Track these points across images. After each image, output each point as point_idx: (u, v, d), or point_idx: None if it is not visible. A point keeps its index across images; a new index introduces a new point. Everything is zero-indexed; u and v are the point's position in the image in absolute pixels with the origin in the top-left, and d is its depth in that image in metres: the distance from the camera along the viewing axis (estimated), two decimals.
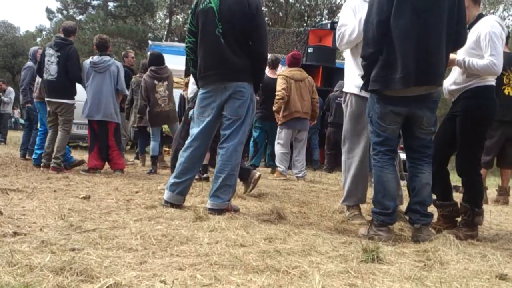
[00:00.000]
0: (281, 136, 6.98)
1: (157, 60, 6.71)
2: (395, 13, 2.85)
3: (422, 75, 2.88)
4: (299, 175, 6.95)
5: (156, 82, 6.55)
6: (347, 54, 3.76)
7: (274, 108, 6.76)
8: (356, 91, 3.57)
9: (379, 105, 3.03)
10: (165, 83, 6.58)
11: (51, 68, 5.89)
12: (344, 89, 3.73)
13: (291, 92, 6.73)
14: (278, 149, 7.02)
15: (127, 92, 6.51)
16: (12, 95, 13.09)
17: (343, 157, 3.77)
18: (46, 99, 6.09)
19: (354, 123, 3.63)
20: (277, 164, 7.04)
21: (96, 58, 6.04)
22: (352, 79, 3.61)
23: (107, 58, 6.03)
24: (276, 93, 6.70)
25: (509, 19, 24.53)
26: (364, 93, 3.46)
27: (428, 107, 3.04)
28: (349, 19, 3.52)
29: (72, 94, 6.02)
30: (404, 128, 3.15)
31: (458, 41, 3.04)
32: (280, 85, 6.72)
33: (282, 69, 7.89)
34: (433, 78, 2.94)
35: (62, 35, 6.07)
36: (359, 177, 3.66)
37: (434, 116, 3.11)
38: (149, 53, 7.95)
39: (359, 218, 3.65)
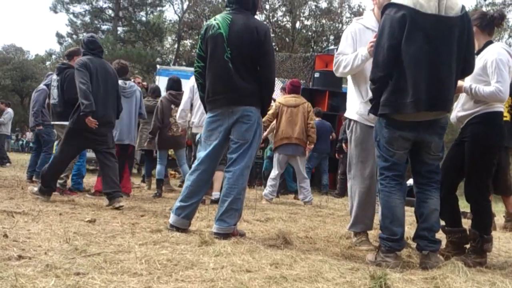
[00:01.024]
0: (274, 161, 7.08)
1: (176, 84, 6.85)
2: (406, 39, 2.87)
3: (433, 100, 2.89)
4: (306, 199, 6.94)
5: (172, 106, 6.65)
6: (349, 80, 3.79)
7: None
8: (357, 118, 3.60)
9: (387, 130, 3.03)
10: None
11: (54, 92, 6.01)
12: (346, 115, 3.75)
13: (281, 118, 6.79)
14: (271, 174, 7.09)
15: (146, 116, 6.59)
16: (8, 116, 12.92)
17: (349, 183, 3.76)
18: (52, 122, 6.20)
19: (359, 149, 3.63)
20: (265, 189, 7.09)
21: (121, 83, 6.06)
22: (354, 105, 3.63)
23: (131, 83, 6.15)
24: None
25: None
26: (366, 121, 3.48)
27: (437, 132, 3.03)
28: (348, 47, 3.58)
29: None
30: (412, 154, 3.14)
31: (466, 69, 3.06)
32: (269, 111, 6.79)
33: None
34: (443, 104, 2.95)
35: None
36: (366, 203, 3.64)
37: (442, 141, 3.10)
38: (157, 77, 8.04)
39: (366, 244, 3.61)
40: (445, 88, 2.92)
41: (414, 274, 2.73)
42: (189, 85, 6.07)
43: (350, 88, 3.74)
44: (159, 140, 6.70)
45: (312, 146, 7.21)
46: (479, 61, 3.28)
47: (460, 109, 3.44)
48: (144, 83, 8.08)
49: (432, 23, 2.86)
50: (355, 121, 3.65)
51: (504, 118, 5.37)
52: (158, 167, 6.80)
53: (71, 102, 5.95)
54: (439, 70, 2.89)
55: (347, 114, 3.75)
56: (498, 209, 7.53)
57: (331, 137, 9.59)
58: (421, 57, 2.86)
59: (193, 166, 3.67)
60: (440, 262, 2.89)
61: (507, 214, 5.86)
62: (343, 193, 9.07)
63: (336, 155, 9.58)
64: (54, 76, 6.07)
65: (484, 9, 22.45)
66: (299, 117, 6.84)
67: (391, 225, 3.00)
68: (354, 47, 3.57)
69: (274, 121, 6.97)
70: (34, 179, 7.53)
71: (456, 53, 2.91)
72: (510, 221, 5.77)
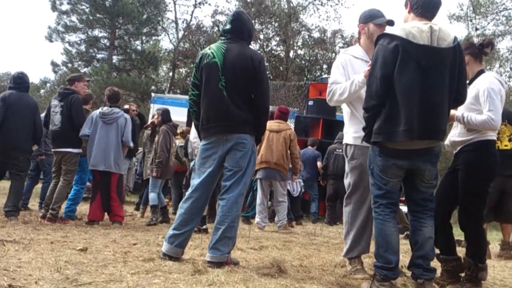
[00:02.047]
0: (258, 186, 7.12)
1: (170, 116, 7.04)
2: (398, 69, 2.91)
3: (426, 129, 2.92)
4: (277, 224, 6.97)
5: (173, 137, 6.84)
6: (344, 109, 3.81)
7: None
8: (353, 141, 3.60)
9: (381, 158, 3.05)
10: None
11: (55, 118, 5.96)
12: (344, 141, 3.75)
13: (262, 143, 6.80)
14: (257, 199, 7.11)
15: (131, 144, 6.54)
16: None
17: (346, 209, 3.70)
18: (53, 150, 6.16)
19: (359, 174, 3.61)
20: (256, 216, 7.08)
21: (106, 109, 6.12)
22: (352, 130, 3.64)
23: (116, 110, 6.14)
24: None
25: (505, 75, 25.10)
26: (354, 141, 3.49)
27: (430, 160, 3.06)
28: (340, 76, 3.63)
29: (76, 143, 6.02)
30: (406, 182, 3.15)
31: (458, 100, 3.11)
32: None
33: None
34: (436, 133, 2.98)
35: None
36: (366, 227, 3.61)
37: (436, 169, 3.12)
38: (152, 105, 8.07)
39: (361, 273, 3.57)
40: (438, 118, 2.95)
41: None
42: None
43: (346, 116, 3.76)
44: (164, 169, 6.72)
45: (296, 176, 7.22)
46: (471, 90, 3.34)
47: (454, 135, 3.48)
48: (134, 111, 8.04)
49: (424, 54, 2.91)
50: (351, 145, 3.64)
51: (505, 147, 5.45)
52: (151, 194, 6.74)
53: (78, 128, 5.96)
54: (431, 100, 2.92)
55: (345, 140, 3.75)
56: (493, 237, 7.52)
57: (318, 164, 9.59)
58: (414, 87, 2.90)
59: (187, 194, 3.65)
60: None
61: (503, 242, 5.85)
62: (331, 221, 9.02)
63: (321, 181, 9.60)
64: (56, 102, 6.01)
65: (474, 40, 22.94)
66: (280, 142, 6.88)
67: (385, 253, 2.99)
68: (346, 76, 3.61)
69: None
70: (31, 207, 7.49)
71: (448, 83, 2.96)
72: (505, 249, 5.76)
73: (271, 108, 7.55)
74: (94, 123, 6.05)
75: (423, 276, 2.96)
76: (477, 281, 3.23)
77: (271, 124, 6.98)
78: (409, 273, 3.22)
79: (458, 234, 3.48)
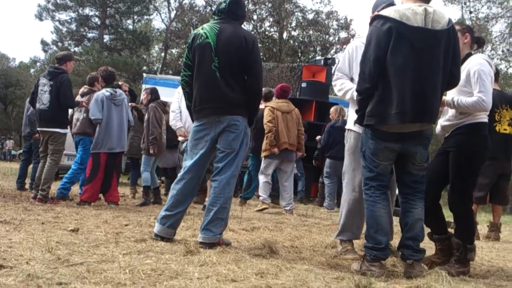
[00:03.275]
0: (266, 166, 7.03)
1: (158, 94, 7.03)
2: (392, 50, 2.90)
3: (418, 112, 2.92)
4: (287, 208, 6.93)
5: (163, 114, 6.77)
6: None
7: (266, 142, 6.80)
8: (352, 127, 3.66)
9: (373, 141, 3.06)
10: (166, 116, 6.76)
11: (44, 97, 5.89)
12: (347, 127, 3.82)
13: (278, 124, 6.81)
14: (262, 178, 7.08)
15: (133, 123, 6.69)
16: None
17: (343, 193, 3.80)
18: (38, 128, 6.09)
19: (352, 158, 3.67)
20: (260, 193, 7.09)
21: (110, 90, 6.06)
22: (353, 115, 3.66)
23: (120, 91, 6.13)
24: (265, 127, 6.81)
25: (497, 58, 25.14)
26: (358, 129, 3.51)
27: (422, 143, 3.07)
28: (344, 65, 3.78)
29: (64, 123, 6.00)
30: (397, 164, 3.17)
31: (452, 82, 3.11)
32: (266, 118, 6.84)
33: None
34: (429, 117, 2.98)
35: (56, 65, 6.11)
36: (355, 212, 3.65)
37: (427, 152, 3.14)
38: (144, 85, 8.04)
39: (351, 253, 3.62)
40: (430, 100, 2.95)
41: (398, 283, 2.74)
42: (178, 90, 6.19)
43: (351, 101, 3.80)
44: (159, 145, 6.69)
45: (302, 153, 7.24)
46: (462, 72, 3.34)
47: (445, 119, 3.49)
48: (126, 91, 7.98)
49: (418, 36, 2.90)
50: (350, 130, 3.72)
51: (504, 131, 5.51)
52: (144, 174, 6.74)
53: (65, 108, 5.91)
54: (424, 82, 2.92)
55: (347, 125, 3.83)
56: (481, 218, 7.63)
57: None
58: (407, 69, 2.90)
59: (179, 175, 3.65)
60: (424, 271, 2.91)
61: (491, 223, 5.94)
62: (322, 201, 9.08)
63: (314, 162, 9.62)
64: (44, 81, 5.93)
65: (468, 22, 22.90)
66: (293, 122, 6.92)
67: (376, 234, 3.02)
68: (350, 65, 3.72)
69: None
70: (27, 188, 7.44)
71: (442, 66, 2.95)
72: (494, 231, 5.85)
73: (268, 88, 7.57)
74: (107, 106, 6.00)
75: (413, 257, 2.99)
76: (466, 262, 3.27)
77: (280, 105, 6.95)
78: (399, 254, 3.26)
79: (447, 216, 3.52)
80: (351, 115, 3.74)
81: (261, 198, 7.02)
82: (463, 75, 3.33)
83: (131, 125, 6.68)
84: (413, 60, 2.90)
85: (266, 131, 6.79)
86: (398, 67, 2.90)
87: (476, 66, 3.31)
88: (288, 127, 6.87)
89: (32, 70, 40.57)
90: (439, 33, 2.93)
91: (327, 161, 8.59)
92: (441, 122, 3.51)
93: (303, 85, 11.27)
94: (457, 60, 3.07)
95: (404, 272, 3.01)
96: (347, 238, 3.71)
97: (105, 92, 6.06)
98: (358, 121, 3.15)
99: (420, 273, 2.89)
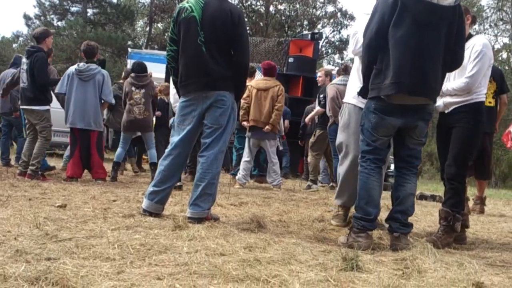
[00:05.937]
0: (246, 144, 7.08)
1: (138, 67, 6.76)
2: (394, 23, 2.89)
3: (416, 85, 2.92)
4: (274, 183, 6.98)
5: (133, 89, 6.56)
6: (354, 66, 3.85)
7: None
8: (350, 100, 3.68)
9: (375, 115, 3.05)
10: (142, 90, 6.54)
11: (23, 76, 5.90)
12: (344, 100, 3.84)
13: (251, 101, 6.79)
14: (243, 156, 7.09)
15: (113, 101, 6.47)
16: None
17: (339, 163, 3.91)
18: (21, 107, 6.12)
19: (347, 133, 3.72)
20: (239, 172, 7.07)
21: (82, 65, 5.97)
22: (352, 89, 3.65)
23: (93, 66, 5.98)
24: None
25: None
26: (361, 104, 3.47)
27: (423, 118, 3.09)
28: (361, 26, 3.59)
29: (42, 100, 5.93)
30: (396, 138, 3.19)
31: (455, 60, 3.10)
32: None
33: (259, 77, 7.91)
34: (428, 92, 2.99)
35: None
36: (348, 183, 3.73)
37: (426, 127, 3.16)
38: (129, 61, 7.92)
39: (337, 219, 3.83)
40: (429, 75, 2.95)
41: (384, 256, 2.79)
42: None
43: (353, 74, 3.80)
44: (123, 122, 6.68)
45: (271, 127, 6.96)
46: (466, 51, 3.33)
47: (449, 96, 3.52)
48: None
49: (422, 9, 2.88)
50: (346, 103, 3.74)
51: (488, 104, 5.56)
52: (118, 150, 6.79)
53: (42, 86, 5.84)
54: (424, 56, 2.92)
55: (344, 99, 3.84)
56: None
57: (285, 122, 9.39)
58: (408, 42, 2.89)
59: (167, 151, 3.63)
60: (410, 244, 2.96)
61: (476, 197, 6.06)
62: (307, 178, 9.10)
63: (299, 141, 9.58)
64: (24, 59, 5.95)
65: None
66: (267, 101, 6.80)
67: (366, 205, 3.06)
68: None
69: None
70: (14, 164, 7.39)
71: (444, 43, 2.94)
72: (478, 204, 5.97)
73: (251, 64, 7.46)
74: (71, 81, 5.91)
75: (400, 230, 3.04)
76: (452, 232, 3.34)
77: (258, 82, 6.91)
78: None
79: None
80: (350, 89, 3.74)
81: (237, 177, 6.99)
82: (467, 54, 3.33)
83: (110, 103, 6.45)
84: (415, 33, 2.88)
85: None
86: (399, 38, 2.88)
87: (482, 47, 3.38)
88: (261, 104, 6.80)
89: (14, 45, 39.65)
90: (445, 9, 2.91)
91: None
92: (444, 99, 3.53)
93: (290, 60, 11.19)
94: (461, 39, 3.06)
95: (390, 244, 3.06)
96: (339, 203, 3.89)
97: (76, 66, 6.02)
98: (361, 94, 3.18)
99: (406, 245, 2.94)
